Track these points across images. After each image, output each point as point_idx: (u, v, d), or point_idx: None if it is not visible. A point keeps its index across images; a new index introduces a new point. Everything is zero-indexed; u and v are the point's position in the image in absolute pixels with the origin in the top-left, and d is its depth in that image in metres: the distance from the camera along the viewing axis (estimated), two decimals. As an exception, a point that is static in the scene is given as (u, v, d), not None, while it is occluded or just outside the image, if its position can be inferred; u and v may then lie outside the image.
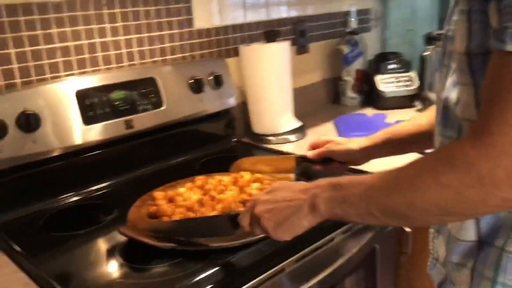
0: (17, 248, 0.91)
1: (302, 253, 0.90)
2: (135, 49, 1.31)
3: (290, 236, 0.71)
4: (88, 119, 1.14)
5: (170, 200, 1.01)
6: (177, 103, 1.30)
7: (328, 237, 0.95)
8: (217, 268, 0.80)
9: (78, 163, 1.16)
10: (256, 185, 1.03)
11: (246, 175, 1.05)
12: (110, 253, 0.88)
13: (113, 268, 0.84)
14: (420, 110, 1.70)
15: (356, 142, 1.00)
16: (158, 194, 1.04)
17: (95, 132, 1.15)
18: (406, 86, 1.75)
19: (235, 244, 0.84)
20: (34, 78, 1.14)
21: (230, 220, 0.78)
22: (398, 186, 0.59)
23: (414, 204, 0.57)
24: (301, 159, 1.07)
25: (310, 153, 1.05)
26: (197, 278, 0.77)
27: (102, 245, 0.93)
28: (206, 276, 0.78)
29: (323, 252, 0.94)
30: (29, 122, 1.04)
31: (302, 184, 0.72)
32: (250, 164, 1.13)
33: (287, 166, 1.08)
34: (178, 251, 0.83)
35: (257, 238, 0.84)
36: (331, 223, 0.93)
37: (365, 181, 0.64)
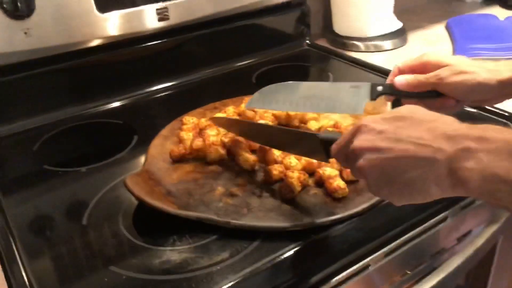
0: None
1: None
2: None
3: (401, 203, 0.42)
4: (103, 5, 0.82)
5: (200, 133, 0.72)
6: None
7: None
8: (263, 263, 0.50)
9: (88, 66, 0.87)
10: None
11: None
12: (108, 214, 0.60)
13: (107, 242, 0.55)
14: None
15: (489, 71, 0.57)
16: (188, 120, 0.74)
17: (114, 24, 0.85)
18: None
19: (297, 228, 0.54)
20: None
21: (322, 145, 0.51)
22: None
23: None
24: (379, 92, 0.60)
25: (400, 80, 0.59)
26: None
27: (103, 197, 0.63)
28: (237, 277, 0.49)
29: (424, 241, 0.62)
30: (16, 4, 0.74)
31: (452, 121, 0.41)
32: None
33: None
34: (210, 224, 0.55)
35: (329, 220, 0.55)
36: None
37: None
